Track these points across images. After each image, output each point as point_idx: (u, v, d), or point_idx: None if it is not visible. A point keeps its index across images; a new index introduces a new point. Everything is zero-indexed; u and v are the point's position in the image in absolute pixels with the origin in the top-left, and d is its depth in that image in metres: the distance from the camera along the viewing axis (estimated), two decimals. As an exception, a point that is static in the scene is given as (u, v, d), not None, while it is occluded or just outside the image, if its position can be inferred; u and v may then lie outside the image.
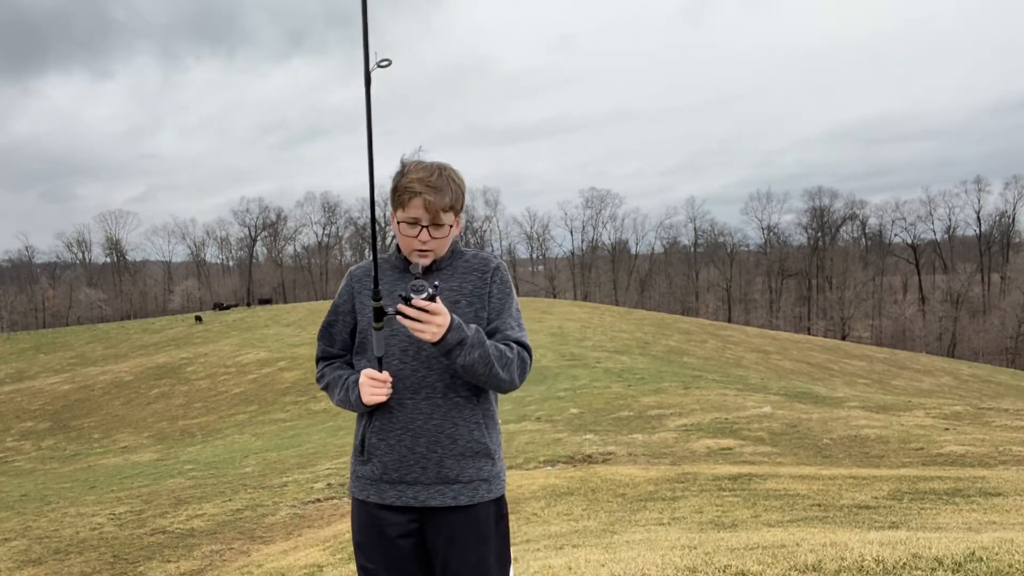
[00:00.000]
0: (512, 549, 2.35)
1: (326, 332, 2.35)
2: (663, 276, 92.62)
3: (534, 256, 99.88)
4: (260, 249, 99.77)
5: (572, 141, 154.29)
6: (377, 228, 2.25)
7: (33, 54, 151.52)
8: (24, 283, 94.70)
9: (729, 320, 75.81)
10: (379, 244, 2.22)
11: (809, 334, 65.29)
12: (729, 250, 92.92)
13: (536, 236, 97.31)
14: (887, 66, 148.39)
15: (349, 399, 2.19)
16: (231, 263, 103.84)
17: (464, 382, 2.15)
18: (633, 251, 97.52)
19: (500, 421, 2.31)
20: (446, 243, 2.21)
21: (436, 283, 2.03)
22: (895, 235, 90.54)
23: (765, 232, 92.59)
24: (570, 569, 3.92)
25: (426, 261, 2.19)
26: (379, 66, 2.01)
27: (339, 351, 2.33)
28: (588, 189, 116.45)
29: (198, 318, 62.80)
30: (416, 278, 2.06)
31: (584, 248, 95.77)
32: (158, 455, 19.49)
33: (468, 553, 2.15)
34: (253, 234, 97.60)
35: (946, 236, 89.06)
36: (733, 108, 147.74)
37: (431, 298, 1.98)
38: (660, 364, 26.43)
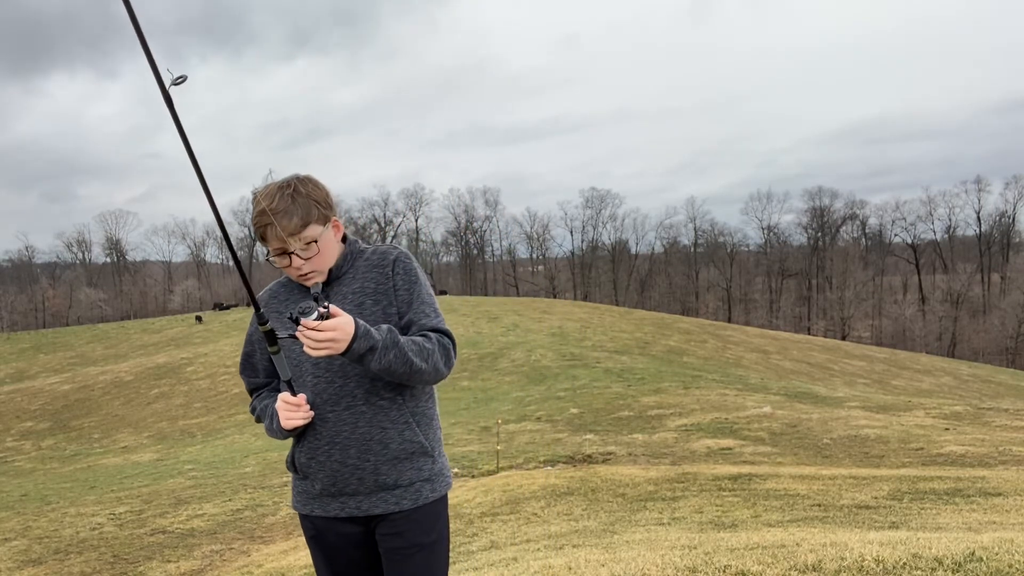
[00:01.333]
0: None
1: (247, 364, 2.29)
2: (663, 276, 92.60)
3: (534, 256, 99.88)
4: (260, 249, 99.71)
5: (574, 141, 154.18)
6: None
7: (39, 54, 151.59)
8: (24, 283, 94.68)
9: (729, 320, 75.80)
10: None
11: (809, 334, 65.28)
12: (729, 250, 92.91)
13: (536, 236, 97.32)
14: (889, 66, 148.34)
15: (272, 427, 2.13)
16: (231, 263, 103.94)
17: (385, 384, 2.07)
18: (633, 251, 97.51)
19: (439, 416, 2.26)
20: (326, 255, 2.09)
21: (326, 303, 1.89)
22: (895, 235, 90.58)
23: (765, 232, 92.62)
24: (570, 569, 3.92)
25: (317, 279, 2.10)
26: (175, 84, 1.85)
27: (264, 380, 2.27)
28: (588, 189, 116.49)
29: (198, 318, 62.79)
30: (316, 298, 1.93)
31: (584, 248, 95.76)
32: (158, 455, 19.49)
33: (416, 555, 2.11)
34: (253, 234, 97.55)
35: (946, 236, 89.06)
36: (735, 108, 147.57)
37: (323, 317, 1.88)
38: (660, 364, 26.43)
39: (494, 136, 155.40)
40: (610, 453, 10.03)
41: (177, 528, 7.88)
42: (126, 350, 51.79)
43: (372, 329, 1.95)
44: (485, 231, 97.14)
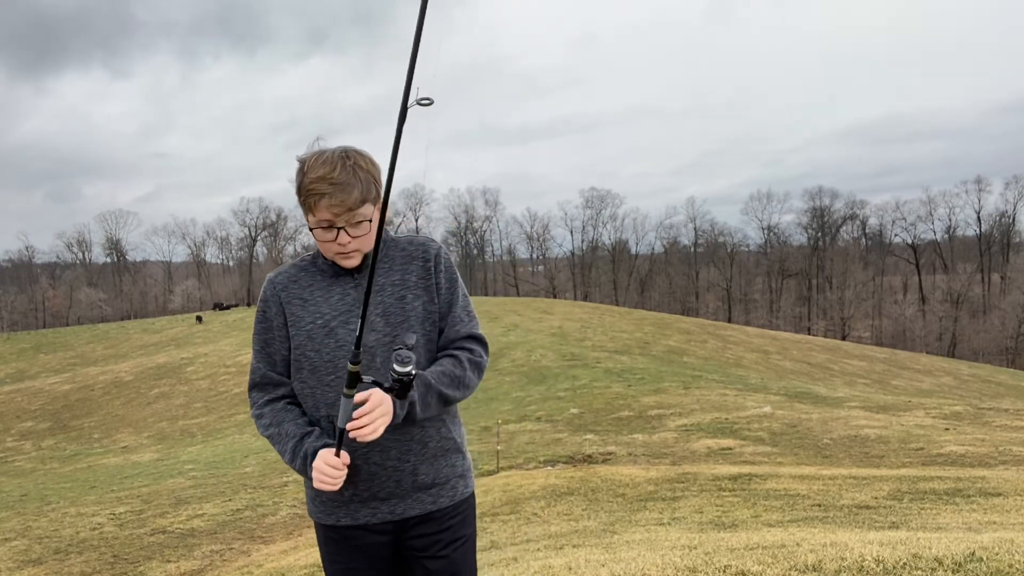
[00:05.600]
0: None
1: (264, 352, 2.05)
2: (663, 276, 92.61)
3: (534, 256, 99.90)
4: (260, 249, 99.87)
5: (582, 141, 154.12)
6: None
7: (52, 53, 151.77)
8: (24, 283, 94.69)
9: (729, 320, 75.80)
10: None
11: (809, 334, 65.28)
12: (729, 250, 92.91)
13: (536, 236, 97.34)
14: (898, 66, 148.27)
15: (294, 467, 1.97)
16: (231, 263, 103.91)
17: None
18: (633, 251, 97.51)
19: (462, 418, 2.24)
20: (371, 237, 1.94)
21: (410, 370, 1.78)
22: (895, 235, 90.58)
23: (765, 232, 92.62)
24: (570, 569, 3.92)
25: (354, 262, 1.96)
26: (419, 104, 1.74)
27: (280, 373, 2.05)
28: (588, 189, 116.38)
29: (198, 318, 62.79)
30: (408, 346, 1.82)
31: (584, 248, 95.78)
32: (158, 455, 19.48)
33: (455, 552, 2.06)
34: (253, 234, 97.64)
35: (946, 236, 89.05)
36: (745, 108, 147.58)
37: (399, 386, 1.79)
38: (660, 364, 26.43)
39: (503, 136, 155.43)
40: (610, 453, 10.03)
41: (177, 528, 7.88)
42: (126, 350, 51.79)
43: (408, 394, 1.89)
44: (485, 231, 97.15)
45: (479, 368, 2.05)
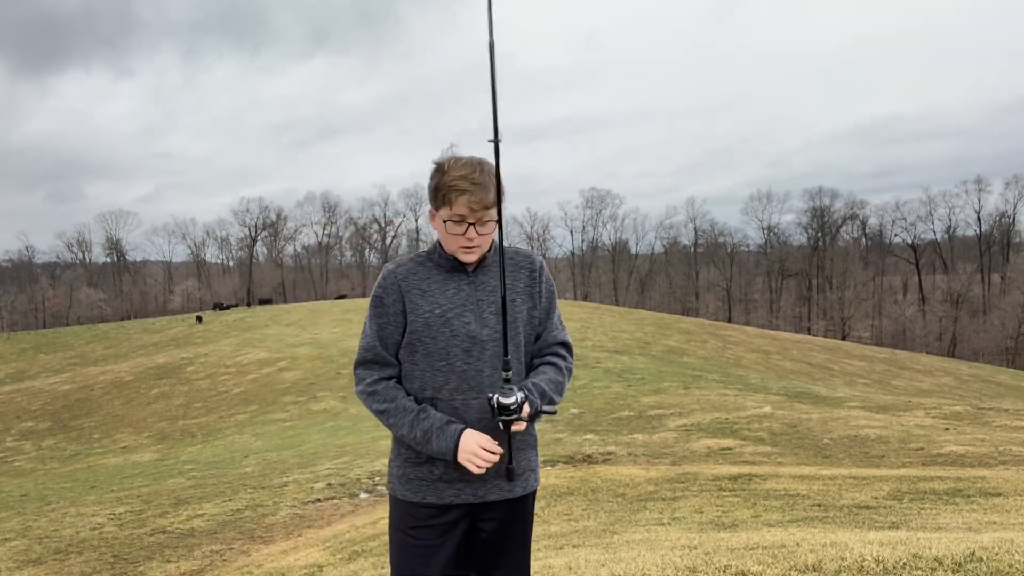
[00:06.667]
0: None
1: (379, 335, 2.24)
2: (663, 276, 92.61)
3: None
4: (260, 249, 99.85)
5: (583, 140, 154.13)
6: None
7: (55, 52, 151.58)
8: (24, 283, 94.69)
9: (729, 320, 75.79)
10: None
11: (809, 334, 65.27)
12: (729, 250, 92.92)
13: (536, 236, 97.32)
14: (902, 66, 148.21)
15: (428, 444, 2.15)
16: (231, 263, 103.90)
17: (521, 377, 2.25)
18: (633, 251, 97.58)
19: None
20: (490, 239, 2.21)
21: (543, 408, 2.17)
22: (895, 235, 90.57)
23: (765, 232, 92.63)
24: (570, 569, 3.92)
25: (473, 257, 2.19)
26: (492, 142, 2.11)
27: (393, 355, 2.24)
28: (588, 189, 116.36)
29: (198, 318, 62.78)
30: (506, 391, 2.08)
31: (584, 248, 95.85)
32: (158, 455, 19.49)
33: (517, 539, 2.30)
34: (253, 234, 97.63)
35: (946, 236, 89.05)
36: (748, 108, 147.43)
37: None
38: (660, 364, 26.42)
39: (507, 135, 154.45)
40: (610, 453, 10.03)
41: (177, 528, 7.88)
42: (126, 350, 51.79)
43: (536, 399, 2.17)
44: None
45: (570, 370, 2.35)
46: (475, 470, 2.09)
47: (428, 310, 2.18)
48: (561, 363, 2.29)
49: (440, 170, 2.17)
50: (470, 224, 2.13)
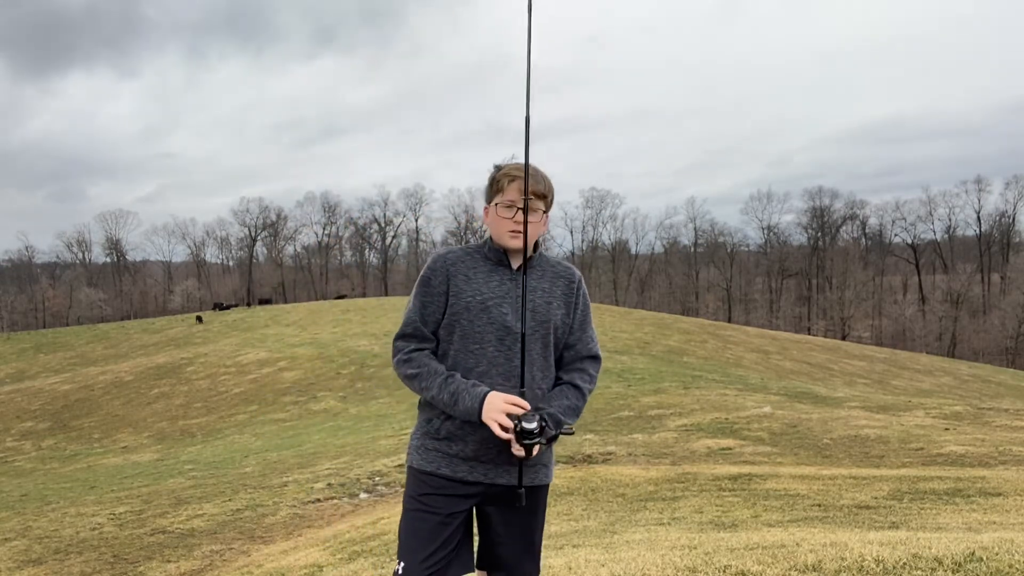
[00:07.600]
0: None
1: (421, 313, 2.38)
2: (663, 276, 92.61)
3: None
4: (260, 249, 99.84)
5: (584, 140, 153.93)
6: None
7: (59, 53, 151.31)
8: (24, 283, 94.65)
9: (729, 320, 75.78)
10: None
11: (809, 334, 65.28)
12: (729, 250, 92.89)
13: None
14: (905, 66, 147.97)
15: (455, 405, 2.25)
16: (231, 263, 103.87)
17: (547, 376, 2.38)
18: (633, 251, 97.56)
19: None
20: (536, 232, 2.34)
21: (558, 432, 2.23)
22: (895, 235, 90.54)
23: (765, 232, 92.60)
24: (570, 569, 3.92)
25: (518, 243, 2.30)
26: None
27: (431, 332, 2.38)
28: (588, 189, 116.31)
29: (198, 318, 62.76)
30: (530, 419, 2.14)
31: (584, 248, 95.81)
32: (158, 455, 19.49)
33: (523, 526, 2.39)
34: (253, 234, 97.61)
35: (946, 236, 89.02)
36: (748, 108, 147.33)
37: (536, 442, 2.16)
38: (660, 364, 26.42)
39: (509, 136, 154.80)
40: (610, 453, 10.03)
41: (177, 528, 7.88)
42: (126, 350, 51.79)
43: (543, 428, 2.20)
44: (485, 231, 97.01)
45: (593, 385, 2.47)
46: (498, 430, 2.16)
47: (470, 295, 2.33)
48: (585, 386, 2.40)
49: (498, 167, 2.39)
50: (519, 209, 2.28)
